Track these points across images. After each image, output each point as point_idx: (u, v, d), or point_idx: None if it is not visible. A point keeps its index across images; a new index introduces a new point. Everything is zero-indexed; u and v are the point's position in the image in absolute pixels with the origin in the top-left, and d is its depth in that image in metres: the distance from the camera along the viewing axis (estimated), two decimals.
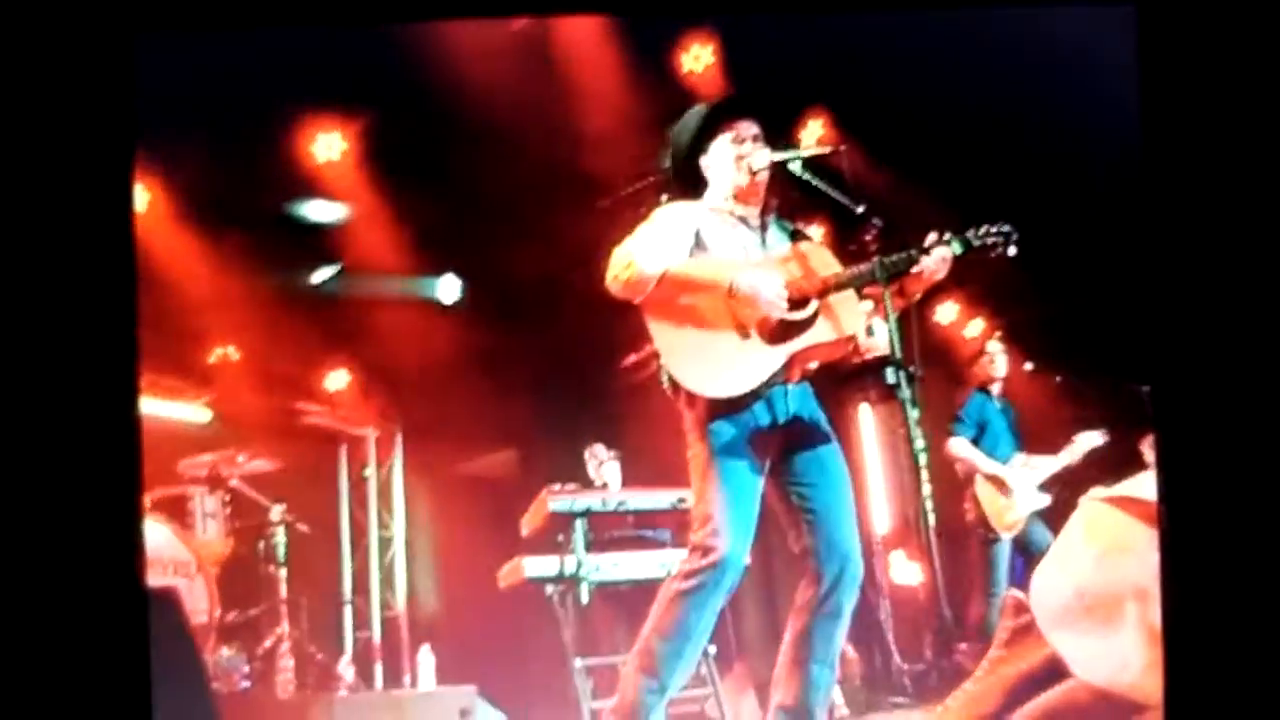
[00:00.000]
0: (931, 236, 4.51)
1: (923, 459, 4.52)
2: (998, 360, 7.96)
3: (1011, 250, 4.57)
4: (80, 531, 2.98)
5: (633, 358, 4.74)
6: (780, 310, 4.34)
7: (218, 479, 8.09)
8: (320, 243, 8.29)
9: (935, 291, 4.83)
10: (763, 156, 4.59)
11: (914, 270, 4.48)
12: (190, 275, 7.59)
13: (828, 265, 4.54)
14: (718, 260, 4.48)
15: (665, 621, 4.32)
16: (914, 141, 7.41)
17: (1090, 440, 7.73)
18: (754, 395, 4.39)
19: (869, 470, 10.11)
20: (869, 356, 4.58)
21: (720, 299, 4.38)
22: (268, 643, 7.83)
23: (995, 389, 7.98)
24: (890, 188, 7.15)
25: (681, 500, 6.46)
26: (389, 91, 7.24)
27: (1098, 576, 3.95)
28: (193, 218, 7.49)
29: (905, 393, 4.45)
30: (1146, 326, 3.20)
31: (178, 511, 7.91)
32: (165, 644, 4.53)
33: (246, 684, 7.47)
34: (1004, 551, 7.59)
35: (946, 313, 9.43)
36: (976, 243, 4.54)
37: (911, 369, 4.44)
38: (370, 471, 10.34)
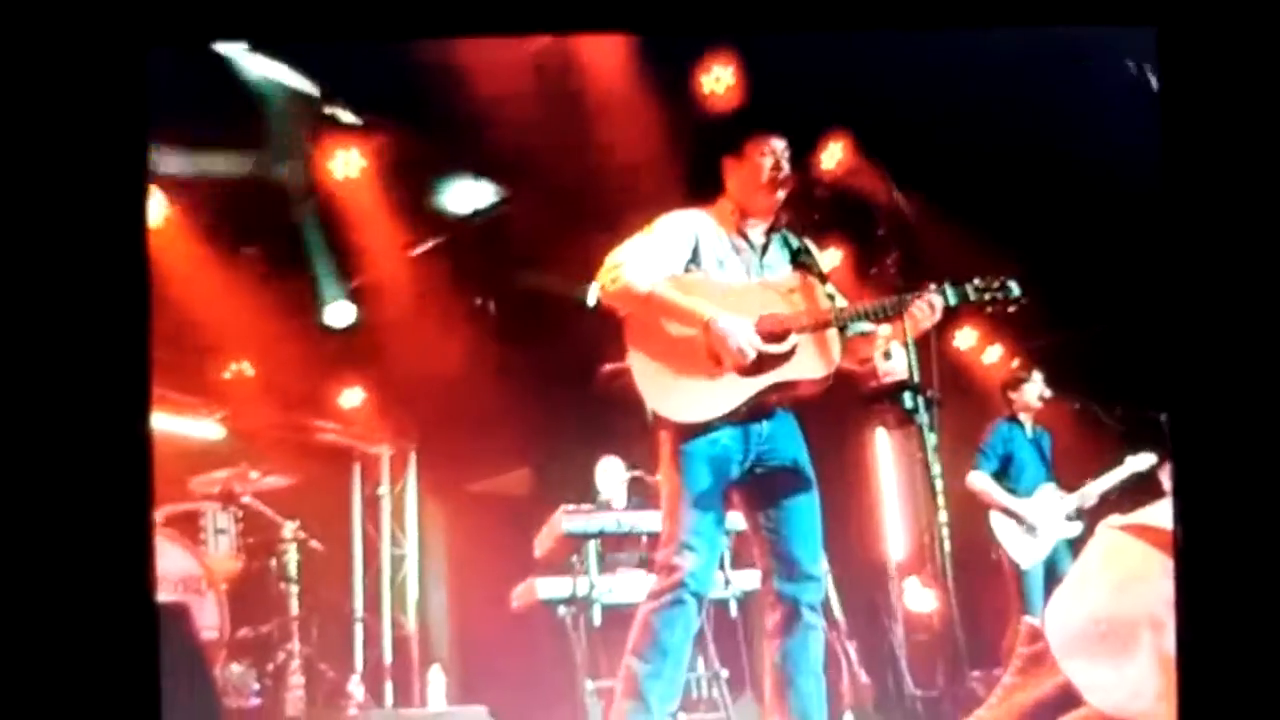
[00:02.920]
0: (931, 286, 4.48)
1: (939, 485, 4.50)
2: (1039, 388, 7.94)
3: (1013, 296, 4.55)
4: (92, 546, 2.97)
5: (609, 367, 4.73)
6: (748, 358, 4.34)
7: (230, 495, 8.07)
8: (337, 259, 8.29)
9: (954, 318, 4.81)
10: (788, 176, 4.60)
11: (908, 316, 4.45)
12: (204, 291, 7.59)
13: (819, 298, 4.52)
14: (706, 285, 4.49)
15: (641, 644, 4.35)
16: (936, 166, 7.40)
17: (1137, 464, 7.69)
18: (726, 421, 4.40)
19: (885, 496, 10.09)
20: (887, 381, 4.56)
21: (698, 329, 4.37)
22: (278, 659, 7.81)
23: (1028, 418, 7.96)
24: (913, 211, 7.17)
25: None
26: (408, 108, 7.25)
27: (1113, 604, 3.93)
28: (208, 233, 7.50)
29: (923, 418, 4.44)
30: (1164, 353, 3.19)
31: (189, 528, 7.89)
32: (175, 660, 4.53)
33: (257, 700, 7.48)
34: (1037, 579, 7.58)
35: (966, 339, 9.41)
36: (973, 296, 4.53)
37: (930, 394, 4.43)
38: (384, 489, 10.36)
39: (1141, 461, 7.67)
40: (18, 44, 3.06)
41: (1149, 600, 3.71)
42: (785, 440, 4.57)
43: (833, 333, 4.47)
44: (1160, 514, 3.95)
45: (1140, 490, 7.15)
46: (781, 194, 4.59)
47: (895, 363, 4.49)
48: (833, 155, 7.62)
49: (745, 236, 4.64)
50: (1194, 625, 3.13)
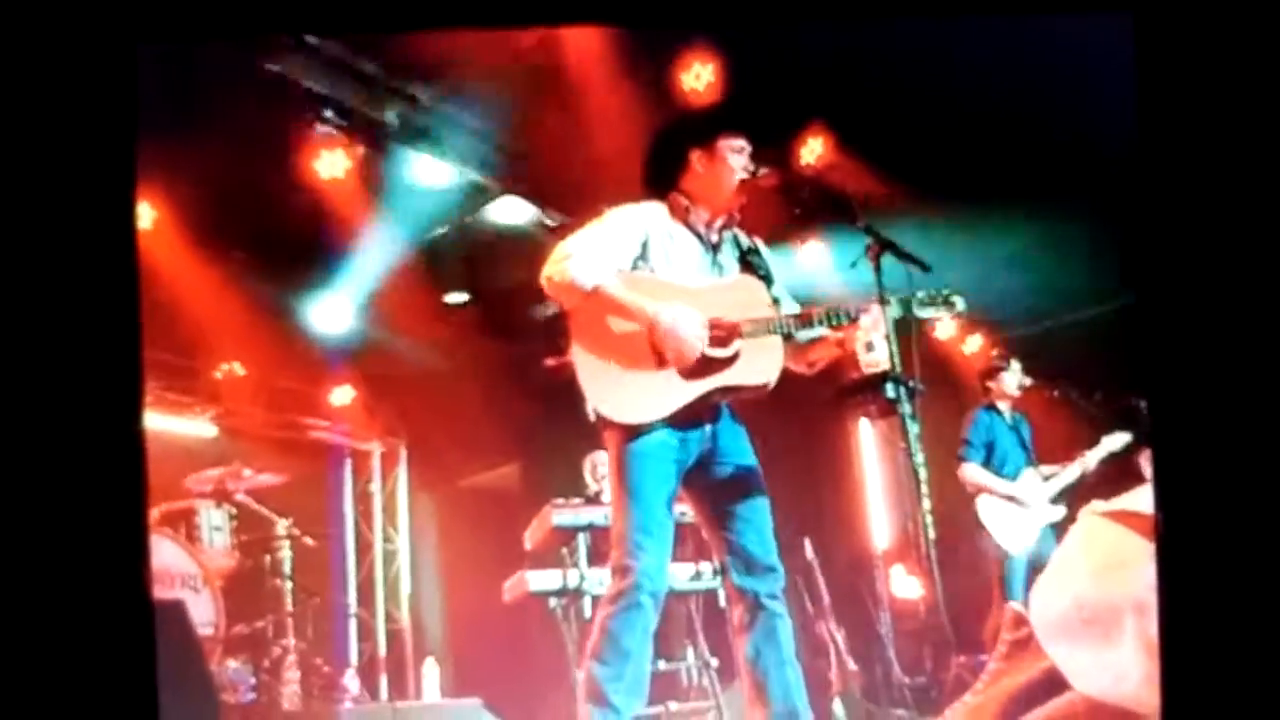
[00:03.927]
0: (878, 295, 4.46)
1: (923, 473, 4.54)
2: (1018, 376, 7.99)
3: (956, 311, 4.57)
4: (86, 545, 2.99)
5: (552, 361, 4.72)
6: (695, 354, 4.32)
7: (223, 493, 8.10)
8: (325, 259, 8.32)
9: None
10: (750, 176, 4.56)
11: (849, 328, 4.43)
12: (196, 291, 7.61)
13: (766, 303, 4.50)
14: (653, 283, 4.43)
15: (599, 648, 4.30)
16: (915, 157, 7.44)
17: (1112, 443, 7.75)
18: (669, 422, 4.35)
19: (869, 485, 10.18)
20: (869, 372, 4.57)
21: (643, 327, 4.33)
22: (274, 655, 7.85)
23: (1006, 405, 8.01)
24: (893, 202, 7.21)
25: (683, 514, 6.51)
26: (392, 104, 7.29)
27: (1096, 589, 3.92)
28: (198, 234, 7.52)
29: (905, 408, 4.46)
30: (1142, 339, 3.22)
31: (185, 525, 7.90)
32: (172, 656, 4.57)
33: (252, 696, 7.48)
34: (1020, 566, 7.63)
35: (946, 329, 9.43)
36: (916, 309, 4.50)
37: (911, 383, 4.46)
38: (375, 485, 10.43)
39: (1116, 440, 7.70)
40: (3, 40, 3.08)
41: (1132, 585, 3.69)
42: (730, 438, 4.53)
43: (776, 342, 4.44)
44: (1141, 499, 3.94)
45: (1120, 475, 7.18)
46: (744, 196, 4.57)
47: (877, 353, 4.48)
48: (812, 149, 7.65)
49: (698, 234, 4.58)
50: (1175, 609, 3.15)
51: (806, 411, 9.73)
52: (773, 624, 4.45)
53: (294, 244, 7.93)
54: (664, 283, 4.45)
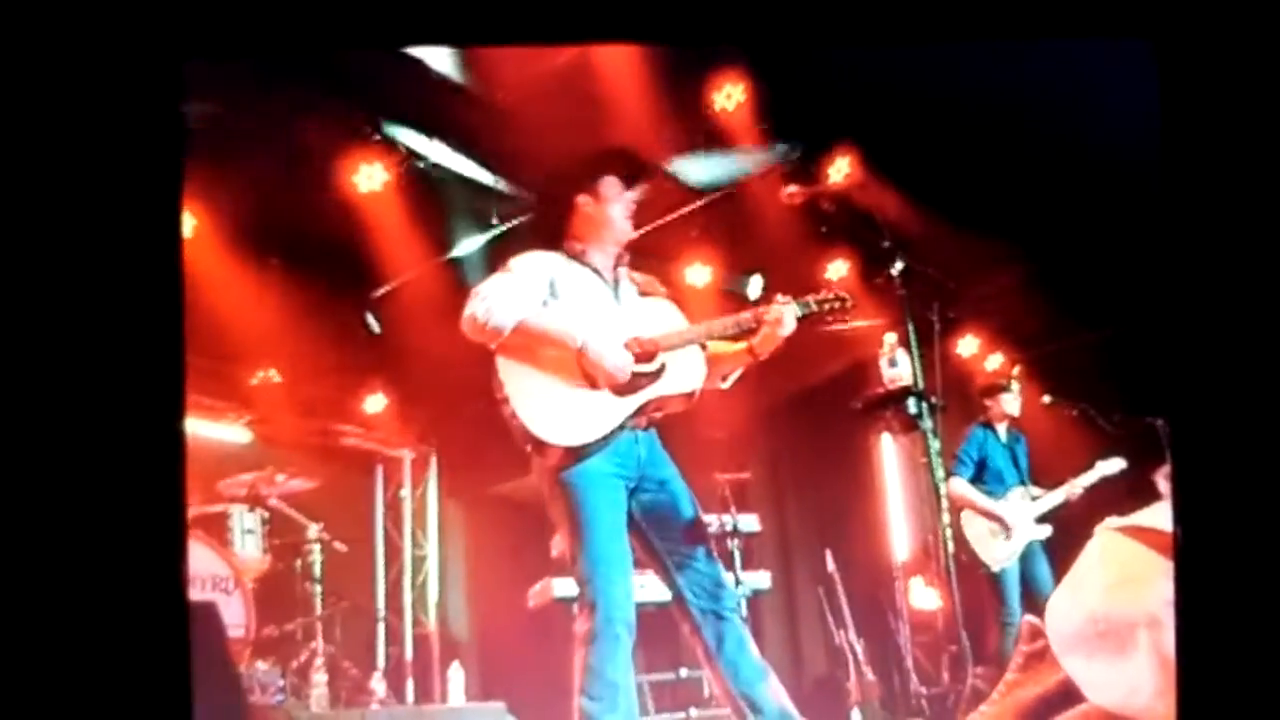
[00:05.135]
0: (779, 298, 4.58)
1: (942, 488, 4.62)
2: (1017, 399, 8.05)
3: (848, 306, 4.68)
4: (124, 547, 3.05)
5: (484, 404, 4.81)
6: (624, 376, 4.44)
7: (257, 497, 8.19)
8: (361, 268, 8.40)
9: (957, 326, 4.91)
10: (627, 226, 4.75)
11: (761, 330, 4.57)
12: (233, 298, 7.69)
13: (676, 321, 4.66)
14: (572, 313, 4.54)
15: (588, 685, 4.36)
16: (939, 177, 7.48)
17: (1107, 468, 7.81)
18: (603, 442, 4.44)
19: (890, 498, 10.23)
20: (892, 387, 4.64)
21: (570, 354, 4.44)
22: (302, 657, 7.95)
23: (1003, 424, 8.06)
24: (917, 221, 7.26)
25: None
26: (431, 120, 7.37)
27: (1111, 604, 3.96)
28: (238, 243, 7.60)
29: (926, 424, 4.54)
30: (1164, 357, 3.28)
31: (217, 528, 7.98)
32: (202, 656, 4.64)
33: (281, 697, 7.49)
34: (1013, 580, 7.67)
35: (968, 347, 9.55)
36: (814, 307, 4.63)
37: (933, 400, 4.53)
38: (405, 492, 10.49)
39: (1112, 465, 7.78)
40: (54, 54, 3.13)
41: (1146, 600, 3.72)
42: (658, 458, 4.65)
43: (687, 353, 4.58)
44: (1157, 516, 3.99)
45: (1135, 492, 7.20)
46: (630, 234, 4.75)
47: (900, 369, 4.58)
48: (839, 169, 7.67)
49: (597, 271, 4.73)
50: (1192, 624, 3.20)
51: (829, 426, 9.81)
52: (739, 635, 4.53)
53: (331, 253, 8.00)
54: (581, 313, 4.56)
